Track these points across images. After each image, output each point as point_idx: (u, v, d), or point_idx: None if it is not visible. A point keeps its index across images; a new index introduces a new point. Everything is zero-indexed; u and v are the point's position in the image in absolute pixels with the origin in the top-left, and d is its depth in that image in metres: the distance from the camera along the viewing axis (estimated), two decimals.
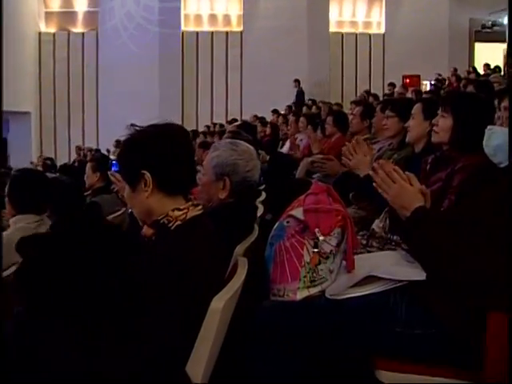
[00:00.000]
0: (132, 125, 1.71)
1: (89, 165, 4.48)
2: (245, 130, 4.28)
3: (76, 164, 8.03)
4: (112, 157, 7.57)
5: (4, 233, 2.99)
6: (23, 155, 15.02)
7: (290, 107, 12.90)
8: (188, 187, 1.74)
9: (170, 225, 1.65)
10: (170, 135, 1.70)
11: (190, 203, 1.70)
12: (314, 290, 1.79)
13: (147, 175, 1.63)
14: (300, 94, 15.06)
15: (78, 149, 13.40)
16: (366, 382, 1.83)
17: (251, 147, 2.43)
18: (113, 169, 3.76)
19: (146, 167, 1.63)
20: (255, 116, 11.14)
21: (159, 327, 1.48)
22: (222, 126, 11.61)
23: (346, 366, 1.92)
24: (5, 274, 2.57)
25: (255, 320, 1.79)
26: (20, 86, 15.70)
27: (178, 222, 1.65)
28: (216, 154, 2.31)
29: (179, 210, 1.66)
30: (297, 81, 15.10)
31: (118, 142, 13.86)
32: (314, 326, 1.77)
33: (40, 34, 17.22)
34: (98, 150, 10.77)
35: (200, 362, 1.51)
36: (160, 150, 1.65)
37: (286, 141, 7.69)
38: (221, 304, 1.50)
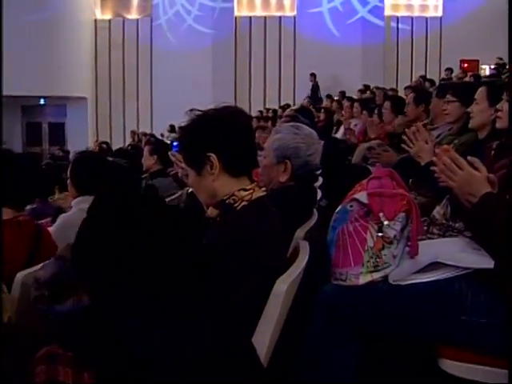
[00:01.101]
0: (192, 110, 1.72)
1: (146, 148, 4.54)
2: (302, 114, 4.24)
3: (130, 148, 8.15)
4: (167, 141, 7.66)
5: (66, 214, 3.08)
6: (80, 140, 15.37)
7: (308, 99, 12.82)
8: (251, 168, 1.75)
9: (236, 205, 1.65)
10: (232, 117, 1.70)
11: (255, 184, 1.71)
12: (377, 275, 1.76)
13: (213, 157, 1.63)
14: (315, 87, 14.94)
15: (133, 133, 13.64)
16: (428, 370, 1.81)
17: (313, 131, 2.42)
18: (173, 149, 3.77)
19: (212, 149, 1.63)
20: (309, 101, 11.05)
21: (226, 304, 1.50)
22: (275, 111, 11.57)
23: (409, 354, 1.90)
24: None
25: (317, 304, 1.79)
26: (77, 72, 16.08)
27: (244, 203, 1.65)
28: (278, 137, 2.30)
29: (245, 190, 1.67)
30: (313, 75, 14.98)
31: (171, 126, 14.06)
32: (376, 312, 1.75)
33: (96, 21, 17.51)
34: (152, 135, 10.91)
35: (263, 342, 1.52)
36: (224, 132, 1.65)
37: (340, 126, 7.65)
38: (284, 287, 1.51)
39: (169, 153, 2.64)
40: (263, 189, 1.75)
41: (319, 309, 1.78)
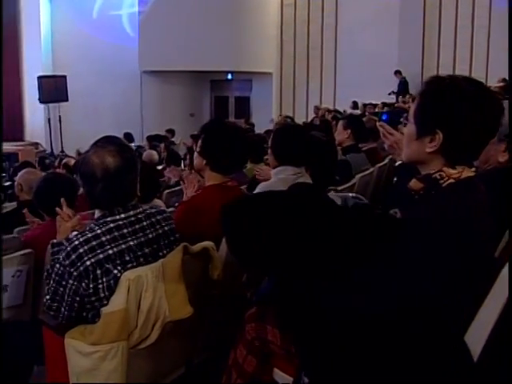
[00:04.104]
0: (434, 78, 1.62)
1: (341, 122, 4.51)
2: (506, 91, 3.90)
3: (319, 123, 8.21)
4: None
5: (266, 182, 3.19)
6: (264, 113, 15.90)
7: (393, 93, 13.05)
8: (473, 159, 1.64)
9: (442, 181, 1.58)
10: (476, 100, 1.54)
11: None
12: None
13: (439, 136, 1.56)
14: (402, 83, 14.53)
15: (316, 109, 13.73)
16: None
17: None
18: (383, 118, 3.72)
19: (442, 128, 1.55)
20: (504, 79, 10.21)
21: (436, 286, 1.44)
22: None
23: None
24: None
25: None
26: (263, 48, 16.55)
27: (451, 180, 1.58)
28: None
29: (454, 168, 1.59)
30: (398, 72, 14.58)
31: (354, 103, 13.94)
32: None
33: None
34: (336, 111, 10.91)
35: (483, 329, 1.44)
36: (463, 118, 1.53)
37: None
38: None
39: (377, 123, 2.56)
40: (473, 169, 1.64)
41: None
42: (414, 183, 1.67)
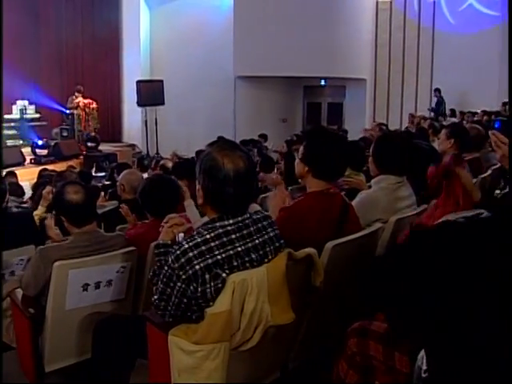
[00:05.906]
0: None
1: (444, 131, 4.34)
2: None
3: (416, 131, 8.02)
4: None
5: (367, 191, 3.16)
6: (357, 119, 15.68)
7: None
8: None
9: None
10: None
11: None
12: None
13: None
14: (439, 103, 14.38)
15: (411, 116, 13.40)
16: None
17: None
18: (496, 126, 3.57)
19: None
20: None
21: None
22: None
23: None
24: (370, 230, 2.71)
25: None
26: (358, 53, 16.35)
27: None
28: None
29: None
30: (437, 90, 14.58)
31: (452, 110, 13.51)
32: None
33: (377, 2, 17.46)
34: (432, 119, 10.61)
35: None
36: None
37: None
38: None
39: (489, 132, 2.45)
40: None
41: None
42: None
